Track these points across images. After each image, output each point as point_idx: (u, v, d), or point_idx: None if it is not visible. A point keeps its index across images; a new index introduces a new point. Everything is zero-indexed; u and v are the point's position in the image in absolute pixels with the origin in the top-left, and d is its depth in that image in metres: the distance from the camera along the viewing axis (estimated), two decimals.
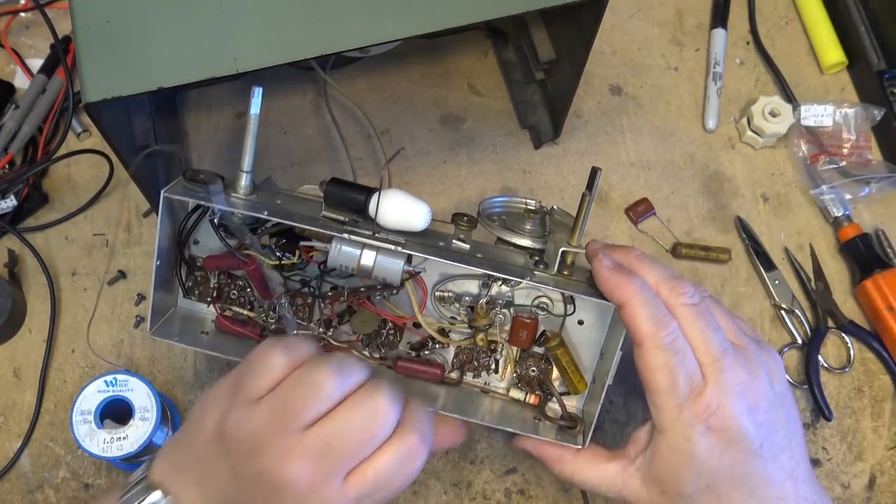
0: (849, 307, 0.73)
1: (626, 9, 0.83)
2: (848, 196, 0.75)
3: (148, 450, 0.60)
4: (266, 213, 0.53)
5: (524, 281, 0.52)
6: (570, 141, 0.77)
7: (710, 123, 0.78)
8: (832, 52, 0.81)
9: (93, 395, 0.59)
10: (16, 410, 0.67)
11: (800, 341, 0.71)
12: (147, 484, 0.48)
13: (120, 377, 0.60)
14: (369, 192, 0.53)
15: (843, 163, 0.76)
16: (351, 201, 0.53)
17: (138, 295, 0.71)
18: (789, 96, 0.79)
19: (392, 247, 0.52)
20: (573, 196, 0.75)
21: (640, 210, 0.75)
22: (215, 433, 0.47)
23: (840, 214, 0.74)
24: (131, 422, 0.59)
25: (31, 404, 0.67)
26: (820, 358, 0.70)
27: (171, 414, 0.65)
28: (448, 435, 0.53)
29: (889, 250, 0.74)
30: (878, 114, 0.77)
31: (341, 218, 0.53)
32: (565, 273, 0.53)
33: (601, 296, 0.52)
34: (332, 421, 0.45)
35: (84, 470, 0.66)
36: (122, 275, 0.71)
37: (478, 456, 0.67)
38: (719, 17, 0.82)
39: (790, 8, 0.84)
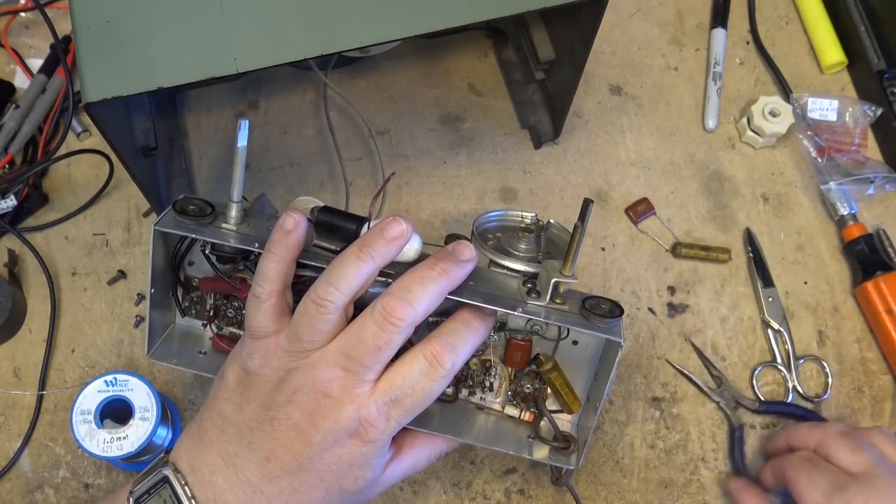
0: (848, 307, 0.73)
1: (626, 9, 0.83)
2: (855, 196, 0.75)
3: (148, 450, 0.60)
4: (257, 245, 0.53)
5: (515, 312, 0.52)
6: (570, 141, 0.77)
7: (710, 123, 0.78)
8: (832, 51, 0.81)
9: (93, 395, 0.59)
10: (16, 410, 0.67)
11: (779, 360, 0.71)
12: (161, 462, 0.50)
13: (120, 377, 0.60)
14: (360, 221, 0.53)
15: (845, 158, 0.76)
16: (342, 231, 0.53)
17: (138, 295, 0.71)
18: (789, 96, 0.79)
19: (382, 278, 0.52)
20: (573, 196, 0.75)
21: (640, 210, 0.75)
22: (237, 383, 0.51)
23: (846, 213, 0.74)
24: (131, 422, 0.59)
25: (31, 404, 0.67)
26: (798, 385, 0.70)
27: (171, 414, 0.65)
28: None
29: (890, 250, 0.74)
30: (875, 111, 0.77)
31: (332, 247, 0.53)
32: (557, 302, 0.53)
33: (592, 327, 0.52)
34: (345, 334, 0.49)
35: (84, 470, 0.66)
36: (122, 275, 0.71)
37: (478, 456, 0.67)
38: (719, 16, 0.82)
39: (790, 8, 0.84)
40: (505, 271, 0.56)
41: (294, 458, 0.48)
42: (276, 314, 0.50)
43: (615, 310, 0.53)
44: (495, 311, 0.52)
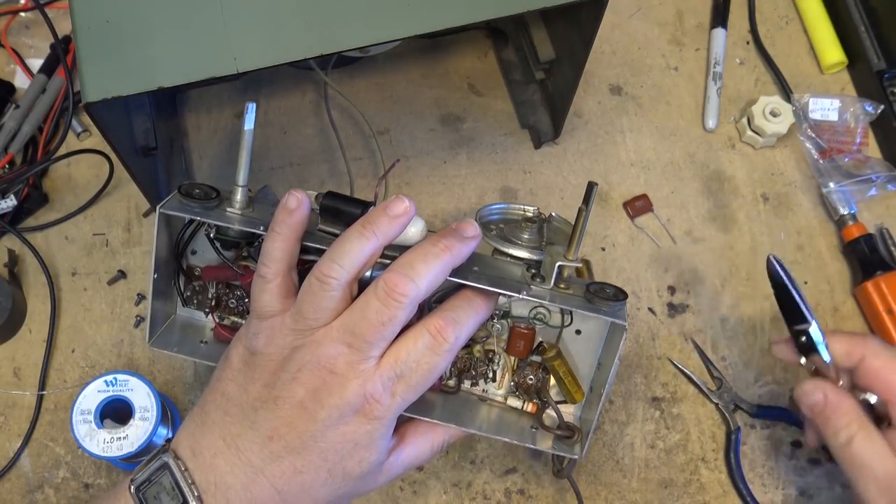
0: (848, 307, 0.73)
1: (626, 9, 0.83)
2: (856, 197, 0.75)
3: (148, 450, 0.60)
4: (262, 227, 0.53)
5: (520, 295, 0.52)
6: (570, 141, 0.77)
7: (710, 123, 0.78)
8: (832, 51, 0.81)
9: (93, 395, 0.59)
10: (16, 410, 0.67)
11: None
12: (162, 449, 0.50)
13: (120, 377, 0.60)
14: (365, 206, 0.53)
15: (847, 158, 0.76)
16: (346, 215, 0.53)
17: (138, 295, 0.71)
18: (789, 96, 0.79)
19: (388, 261, 0.52)
20: (573, 196, 0.75)
21: (637, 206, 0.75)
22: (241, 363, 0.50)
23: (846, 213, 0.74)
24: (131, 422, 0.59)
25: (31, 404, 0.67)
26: None
27: (171, 414, 0.65)
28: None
29: (893, 248, 0.74)
30: (876, 109, 0.77)
31: (337, 232, 0.53)
32: (562, 286, 0.53)
33: (597, 310, 0.52)
34: (349, 311, 0.48)
35: (84, 470, 0.66)
36: (122, 275, 0.71)
37: (478, 456, 0.67)
38: (719, 16, 0.82)
39: (790, 8, 0.84)
40: (508, 259, 0.56)
41: (298, 437, 0.48)
42: (281, 294, 0.50)
43: (619, 294, 0.53)
44: (498, 292, 0.52)
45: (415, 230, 0.52)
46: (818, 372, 0.57)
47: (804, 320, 0.56)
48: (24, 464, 0.66)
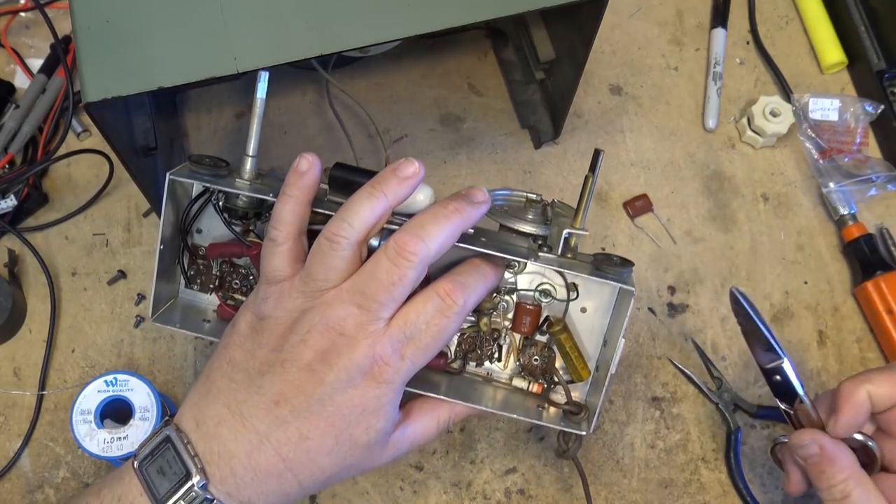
0: (848, 307, 0.73)
1: (626, 9, 0.83)
2: (856, 197, 0.75)
3: None
4: (272, 195, 0.52)
5: (529, 262, 0.51)
6: (570, 141, 0.77)
7: (710, 123, 0.78)
8: (832, 51, 0.81)
9: (93, 395, 0.60)
10: (16, 410, 0.67)
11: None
12: (164, 423, 0.50)
13: (120, 377, 0.60)
14: (373, 175, 0.53)
15: (847, 158, 0.76)
16: (355, 185, 0.53)
17: (138, 295, 0.71)
18: (789, 96, 0.79)
19: (395, 227, 0.52)
20: (573, 195, 0.75)
21: (637, 206, 0.75)
22: (249, 329, 0.50)
23: (846, 213, 0.74)
24: (131, 422, 0.59)
25: (31, 404, 0.67)
26: None
27: (171, 414, 0.65)
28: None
29: (893, 248, 0.74)
30: (876, 109, 0.77)
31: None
32: (569, 256, 0.53)
33: (604, 276, 0.52)
34: (359, 273, 0.48)
35: (84, 470, 0.66)
36: (122, 275, 0.71)
37: (478, 456, 0.67)
38: (719, 16, 0.82)
39: (790, 8, 0.84)
40: (514, 234, 0.56)
41: (305, 401, 0.47)
42: (291, 257, 0.50)
43: (626, 263, 0.53)
44: (504, 260, 0.52)
45: (422, 196, 0.52)
46: (797, 415, 0.56)
47: (776, 356, 0.55)
48: (24, 464, 0.66)
